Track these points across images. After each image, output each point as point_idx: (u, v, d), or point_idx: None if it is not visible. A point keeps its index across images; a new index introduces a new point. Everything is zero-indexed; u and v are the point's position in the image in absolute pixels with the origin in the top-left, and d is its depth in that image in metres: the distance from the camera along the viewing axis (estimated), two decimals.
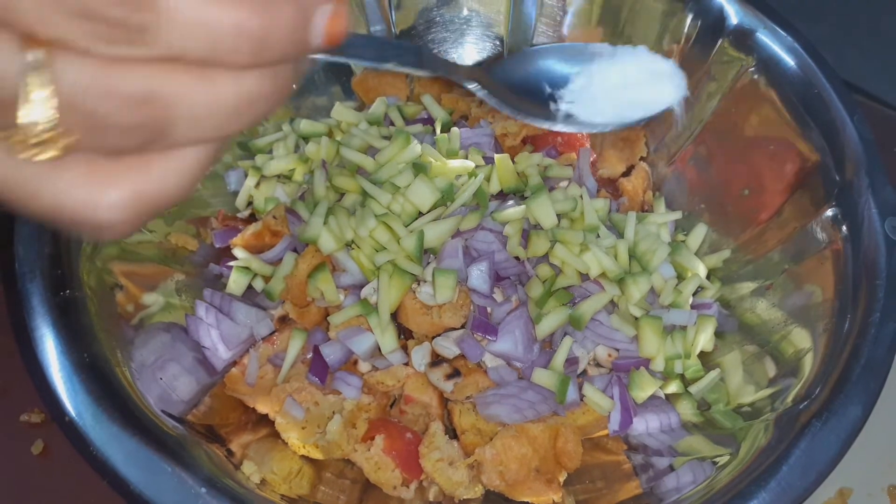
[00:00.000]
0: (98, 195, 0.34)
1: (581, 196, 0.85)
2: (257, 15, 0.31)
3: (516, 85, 0.64)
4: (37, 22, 0.29)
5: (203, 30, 0.30)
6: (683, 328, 0.82)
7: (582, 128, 0.66)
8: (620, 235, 0.86)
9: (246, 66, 0.33)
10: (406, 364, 0.78)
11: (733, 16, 0.89)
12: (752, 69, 0.88)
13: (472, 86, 0.58)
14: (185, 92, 0.32)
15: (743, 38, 0.89)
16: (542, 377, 0.76)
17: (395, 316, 0.79)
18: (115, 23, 0.29)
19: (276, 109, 0.43)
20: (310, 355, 0.78)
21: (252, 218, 0.92)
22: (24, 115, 0.30)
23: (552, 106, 0.65)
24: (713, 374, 0.82)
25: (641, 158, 1.01)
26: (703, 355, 0.84)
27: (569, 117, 0.64)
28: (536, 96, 0.65)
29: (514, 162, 0.88)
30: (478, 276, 0.78)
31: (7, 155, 0.32)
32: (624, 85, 0.65)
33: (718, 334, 0.85)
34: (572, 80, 0.66)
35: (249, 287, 0.84)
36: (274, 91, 0.34)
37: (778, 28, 0.87)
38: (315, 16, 0.34)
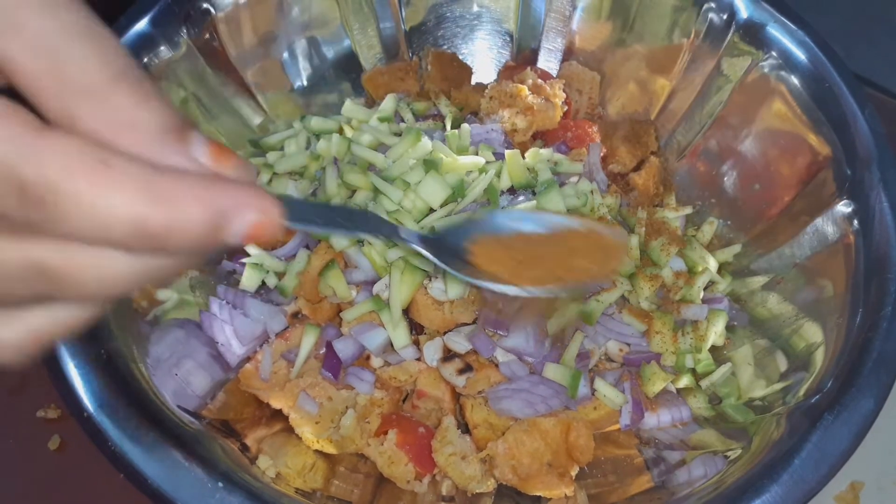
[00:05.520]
0: None
1: (591, 191, 0.85)
2: (160, 210, 0.29)
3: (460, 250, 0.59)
4: None
5: (100, 221, 0.29)
6: (695, 322, 0.82)
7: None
8: (631, 230, 0.86)
9: (144, 252, 0.32)
10: (418, 359, 0.79)
11: (743, 10, 0.89)
12: (763, 63, 0.88)
13: (419, 248, 0.56)
14: (78, 266, 0.31)
15: (753, 33, 0.88)
16: (553, 372, 0.76)
17: (406, 312, 0.80)
18: (14, 218, 0.29)
19: (174, 279, 0.42)
20: (323, 351, 0.79)
21: None
22: None
23: None
24: (724, 368, 0.82)
25: (652, 153, 1.01)
26: (714, 349, 0.84)
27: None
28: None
29: (524, 158, 0.88)
30: None
31: None
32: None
33: (729, 328, 0.85)
34: None
35: (262, 283, 0.85)
36: (172, 268, 0.33)
37: (788, 21, 0.87)
38: (234, 221, 0.31)
